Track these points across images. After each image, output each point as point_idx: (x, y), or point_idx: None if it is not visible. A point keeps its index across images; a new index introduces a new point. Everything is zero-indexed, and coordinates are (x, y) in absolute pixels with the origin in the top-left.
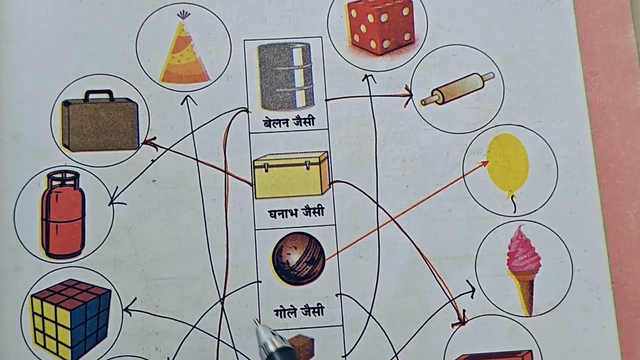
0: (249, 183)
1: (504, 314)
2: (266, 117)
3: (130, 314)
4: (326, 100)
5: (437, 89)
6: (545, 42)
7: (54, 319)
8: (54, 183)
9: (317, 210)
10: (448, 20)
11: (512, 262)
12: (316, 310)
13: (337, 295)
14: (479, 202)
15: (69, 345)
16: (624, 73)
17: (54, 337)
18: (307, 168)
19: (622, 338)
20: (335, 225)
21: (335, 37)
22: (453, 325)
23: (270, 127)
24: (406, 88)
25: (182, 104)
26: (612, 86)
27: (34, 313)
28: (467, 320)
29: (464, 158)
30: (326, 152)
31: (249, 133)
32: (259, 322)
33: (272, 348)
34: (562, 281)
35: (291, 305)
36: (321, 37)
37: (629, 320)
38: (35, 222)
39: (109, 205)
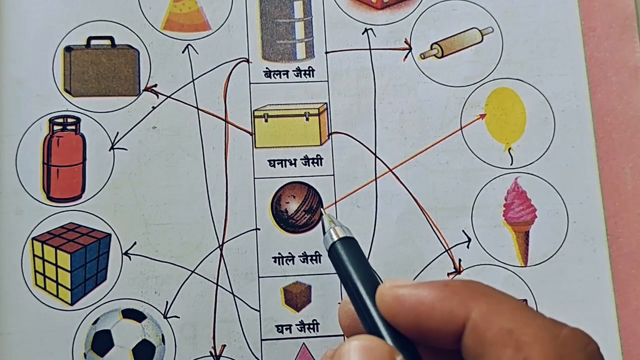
0: (248, 132)
1: (500, 263)
2: (266, 68)
3: (129, 257)
4: (326, 52)
5: (436, 43)
6: None
7: (54, 262)
8: (56, 128)
9: (315, 161)
10: None
11: (508, 213)
12: (314, 258)
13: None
14: (476, 155)
15: (69, 287)
16: (621, 29)
17: (54, 279)
18: (307, 119)
19: (617, 289)
20: (333, 175)
21: None
22: (449, 274)
23: (270, 78)
24: (406, 42)
25: (183, 52)
26: (609, 42)
27: (34, 255)
28: (463, 270)
29: (462, 111)
30: (325, 103)
31: (250, 83)
32: (328, 216)
33: (334, 237)
34: (558, 232)
35: (289, 253)
36: None
37: (623, 272)
38: (37, 166)
39: (109, 150)
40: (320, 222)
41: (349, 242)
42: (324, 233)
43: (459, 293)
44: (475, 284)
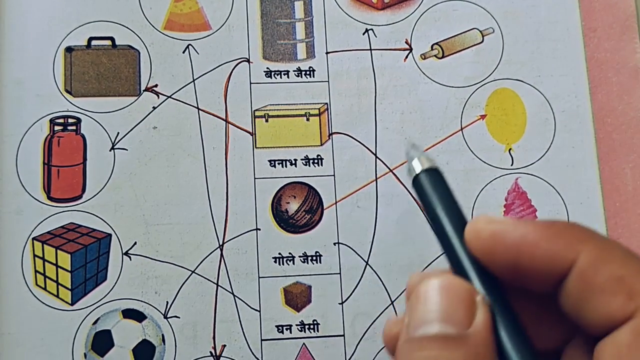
0: (249, 132)
1: None
2: (267, 68)
3: (130, 258)
4: (327, 53)
5: (437, 44)
6: None
7: (54, 262)
8: (56, 128)
9: (316, 161)
10: None
11: (508, 213)
12: (314, 258)
13: (334, 244)
14: (476, 155)
15: (69, 287)
16: (622, 30)
17: (55, 279)
18: (307, 119)
19: None
20: (334, 175)
21: None
22: None
23: (271, 78)
24: (406, 42)
25: (183, 52)
26: (610, 43)
27: (35, 255)
28: None
29: (462, 111)
30: (326, 104)
31: (250, 83)
32: (412, 145)
33: (418, 169)
34: None
35: (289, 253)
36: None
37: None
38: (37, 167)
39: (110, 150)
40: (405, 153)
41: (435, 174)
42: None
43: (566, 235)
44: (582, 227)
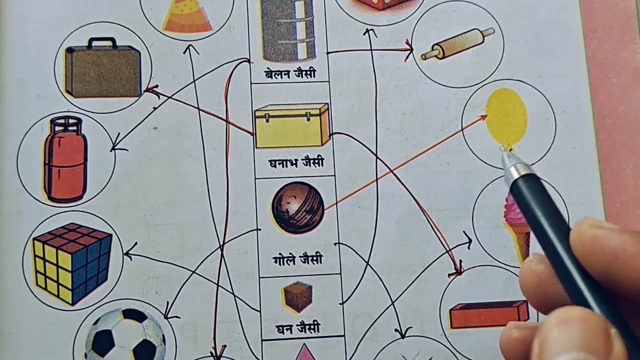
0: (249, 132)
1: (501, 265)
2: (268, 68)
3: (130, 258)
4: (327, 53)
5: (437, 44)
6: None
7: (55, 262)
8: (57, 128)
9: (317, 161)
10: None
11: (509, 214)
12: (314, 258)
13: (335, 244)
14: (477, 155)
15: (70, 287)
16: (622, 31)
17: (55, 279)
18: (308, 119)
19: None
20: (334, 175)
21: None
22: (449, 275)
23: (271, 78)
24: (407, 42)
25: (184, 53)
26: (611, 43)
27: (35, 256)
28: (464, 271)
29: (463, 112)
30: (327, 104)
31: (251, 83)
32: (506, 152)
33: (515, 175)
34: None
35: (290, 253)
36: None
37: None
38: (38, 167)
39: (110, 151)
40: (501, 160)
41: (533, 180)
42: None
43: None
44: None
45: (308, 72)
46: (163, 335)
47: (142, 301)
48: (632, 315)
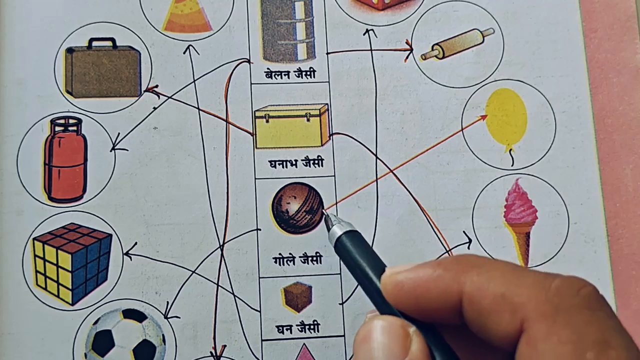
0: (249, 133)
1: None
2: (267, 68)
3: (130, 258)
4: (327, 53)
5: (437, 44)
6: None
7: (55, 262)
8: (57, 129)
9: (316, 161)
10: None
11: (509, 214)
12: (314, 258)
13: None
14: (477, 156)
15: (70, 287)
16: (622, 31)
17: (55, 279)
18: (308, 120)
19: (617, 290)
20: (334, 176)
21: None
22: None
23: (271, 78)
24: (407, 43)
25: (184, 53)
26: (610, 43)
27: (35, 256)
28: None
29: (462, 112)
30: (326, 104)
31: (251, 84)
32: (326, 211)
33: (338, 232)
34: (559, 234)
35: (290, 254)
36: None
37: (623, 273)
38: (38, 167)
39: (110, 151)
40: (324, 222)
41: (354, 235)
42: (329, 230)
43: (451, 269)
44: (467, 257)
45: (308, 73)
46: (163, 335)
47: (142, 301)
48: (460, 337)
